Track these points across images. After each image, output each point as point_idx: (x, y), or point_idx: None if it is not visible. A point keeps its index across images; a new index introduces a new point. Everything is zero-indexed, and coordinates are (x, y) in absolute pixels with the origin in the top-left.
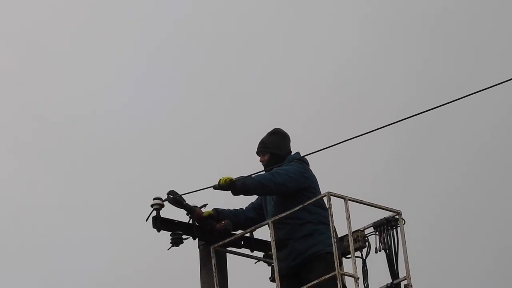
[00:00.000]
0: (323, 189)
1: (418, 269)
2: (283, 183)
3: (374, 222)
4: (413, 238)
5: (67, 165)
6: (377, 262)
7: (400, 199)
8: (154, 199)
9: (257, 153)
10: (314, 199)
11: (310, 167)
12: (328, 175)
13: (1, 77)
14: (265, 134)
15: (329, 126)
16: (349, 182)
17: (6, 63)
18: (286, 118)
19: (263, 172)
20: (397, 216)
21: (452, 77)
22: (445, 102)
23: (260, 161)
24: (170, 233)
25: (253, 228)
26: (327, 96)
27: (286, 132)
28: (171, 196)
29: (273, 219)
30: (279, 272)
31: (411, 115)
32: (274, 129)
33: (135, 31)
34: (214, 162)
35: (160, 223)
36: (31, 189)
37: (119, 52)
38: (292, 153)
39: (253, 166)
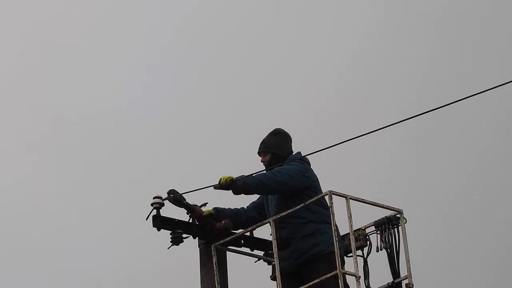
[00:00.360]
0: (325, 188)
1: (419, 268)
2: (284, 182)
3: (375, 221)
4: (414, 237)
5: (70, 165)
6: (378, 261)
7: (401, 198)
8: (154, 197)
9: (259, 153)
10: (316, 197)
11: (312, 166)
12: (330, 174)
13: (7, 77)
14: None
15: (332, 126)
16: (351, 181)
17: (10, 62)
18: (287, 117)
19: (264, 171)
20: (398, 215)
21: (457, 76)
22: (449, 102)
23: (262, 162)
24: (170, 232)
25: (254, 226)
26: (331, 96)
27: (287, 132)
28: (171, 195)
29: (274, 217)
30: (280, 271)
31: (413, 115)
32: (275, 129)
33: (142, 30)
34: (218, 161)
35: (160, 222)
36: (35, 190)
37: (123, 52)
38: (293, 153)
39: (258, 165)
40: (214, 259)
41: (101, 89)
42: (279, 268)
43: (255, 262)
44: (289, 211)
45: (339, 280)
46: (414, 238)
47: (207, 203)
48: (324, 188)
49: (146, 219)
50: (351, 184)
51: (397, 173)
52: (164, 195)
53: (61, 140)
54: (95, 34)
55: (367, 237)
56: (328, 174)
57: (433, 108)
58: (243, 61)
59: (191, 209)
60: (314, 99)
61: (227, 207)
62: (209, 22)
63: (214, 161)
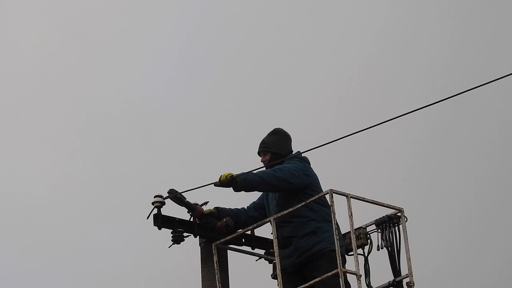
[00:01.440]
0: (326, 187)
1: (420, 267)
2: (285, 179)
3: (376, 220)
4: (416, 236)
5: (78, 167)
6: (379, 259)
7: (405, 197)
8: (155, 196)
9: (258, 153)
10: (317, 196)
11: (313, 164)
12: (332, 173)
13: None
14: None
15: (339, 125)
16: (352, 180)
17: (41, 57)
18: (291, 116)
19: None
20: (399, 214)
21: (467, 76)
22: (449, 96)
23: (262, 161)
24: (171, 231)
25: (255, 225)
26: (341, 95)
27: (287, 131)
28: (172, 194)
29: (275, 216)
30: (282, 269)
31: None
32: (275, 129)
33: (158, 28)
34: (231, 161)
35: (161, 221)
36: (50, 189)
37: (142, 50)
38: (292, 152)
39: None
40: (215, 258)
41: (113, 88)
42: (280, 266)
43: (256, 260)
44: (290, 209)
45: (340, 279)
46: (416, 236)
47: (208, 201)
48: (325, 187)
49: (147, 218)
50: (353, 182)
51: (399, 172)
52: (164, 194)
53: (65, 141)
54: (118, 24)
55: (368, 235)
56: (330, 172)
57: (432, 103)
58: (258, 61)
59: (192, 208)
60: (321, 99)
61: (227, 207)
62: (222, 23)
63: (228, 160)
